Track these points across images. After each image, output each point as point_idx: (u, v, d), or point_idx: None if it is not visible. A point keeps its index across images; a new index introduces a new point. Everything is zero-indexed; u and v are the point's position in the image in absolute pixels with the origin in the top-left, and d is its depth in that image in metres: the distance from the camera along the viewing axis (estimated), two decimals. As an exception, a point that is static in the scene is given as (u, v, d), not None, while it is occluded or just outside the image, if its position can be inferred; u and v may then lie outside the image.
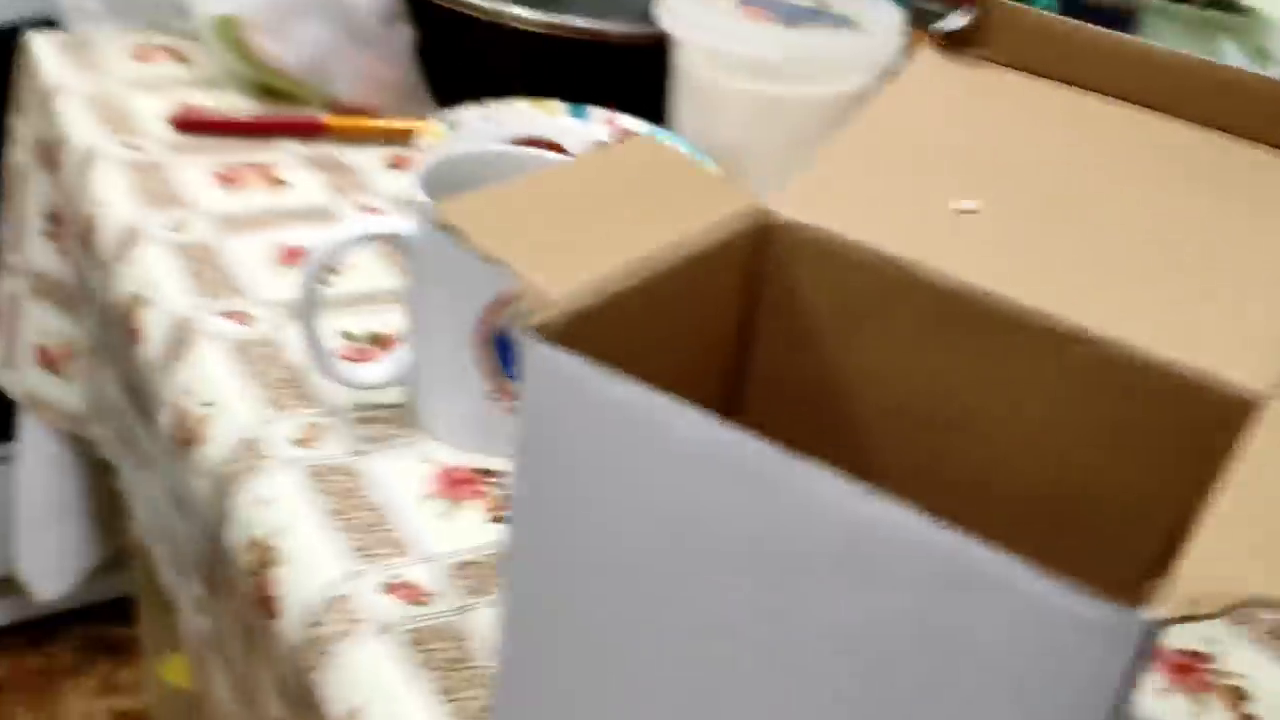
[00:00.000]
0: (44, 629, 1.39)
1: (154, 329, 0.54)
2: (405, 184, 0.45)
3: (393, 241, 0.45)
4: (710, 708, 0.25)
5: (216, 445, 0.47)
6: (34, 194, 0.82)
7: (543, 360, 0.24)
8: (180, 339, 0.52)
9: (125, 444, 0.70)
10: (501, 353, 0.45)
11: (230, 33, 0.72)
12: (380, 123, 0.72)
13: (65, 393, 0.87)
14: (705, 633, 0.24)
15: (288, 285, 0.56)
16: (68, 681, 1.35)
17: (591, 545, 0.25)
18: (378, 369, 0.48)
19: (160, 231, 0.59)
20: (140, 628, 1.06)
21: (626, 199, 0.28)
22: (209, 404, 0.49)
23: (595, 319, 0.25)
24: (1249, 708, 0.39)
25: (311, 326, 0.45)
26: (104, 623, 1.41)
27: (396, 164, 0.70)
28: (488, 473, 0.46)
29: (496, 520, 0.44)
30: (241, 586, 0.46)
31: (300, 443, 0.46)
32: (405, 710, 0.36)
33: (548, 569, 0.27)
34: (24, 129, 0.81)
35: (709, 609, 0.24)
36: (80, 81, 0.73)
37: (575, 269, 0.26)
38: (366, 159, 0.70)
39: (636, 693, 0.27)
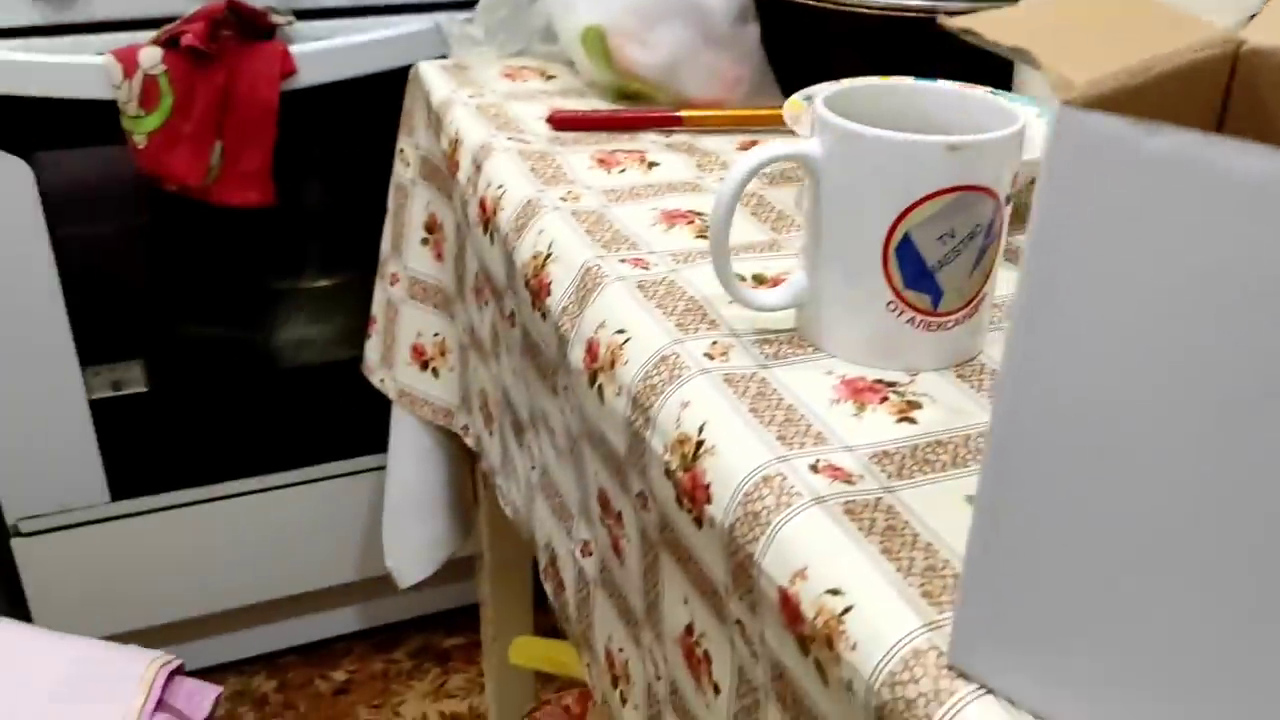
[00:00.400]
0: (386, 636, 1.51)
1: (562, 279, 0.59)
2: (814, 106, 0.48)
3: (801, 161, 0.48)
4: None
5: (634, 364, 0.51)
6: (416, 207, 0.92)
7: (1080, 127, 0.26)
8: (588, 284, 0.58)
9: (500, 425, 0.77)
10: (904, 264, 0.47)
11: (597, 42, 0.79)
12: (733, 112, 0.77)
13: (436, 388, 0.96)
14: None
15: (673, 239, 0.61)
16: (405, 685, 1.46)
17: (1124, 325, 0.26)
18: (777, 293, 0.51)
19: (556, 202, 0.65)
20: (485, 621, 1.14)
21: (1115, 24, 0.30)
22: (622, 331, 0.53)
23: (1109, 106, 0.27)
24: None
25: (724, 248, 0.49)
26: (436, 632, 1.53)
27: (748, 147, 0.74)
28: (889, 384, 0.48)
29: (904, 421, 0.46)
30: (659, 492, 0.49)
31: (711, 357, 0.50)
32: (850, 565, 0.38)
33: (1061, 371, 0.27)
34: (411, 150, 0.92)
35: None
36: (466, 96, 0.83)
37: (1080, 68, 0.27)
38: (720, 145, 0.75)
39: (1168, 534, 0.26)
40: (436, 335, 0.95)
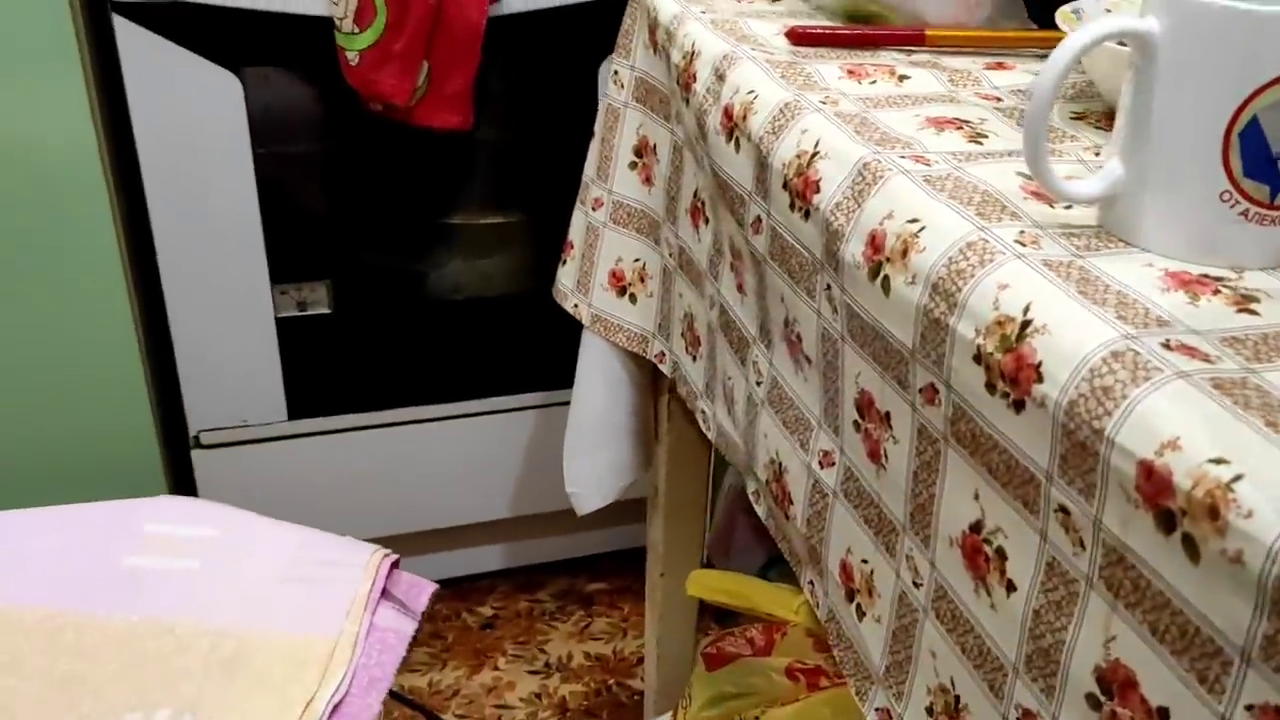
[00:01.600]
0: (530, 576, 1.53)
1: (834, 175, 0.58)
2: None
3: (1137, 40, 0.46)
4: None
5: (934, 251, 0.50)
6: (628, 129, 0.92)
7: None
8: (867, 178, 0.56)
9: (711, 347, 0.76)
10: (1246, 151, 0.45)
11: (837, -42, 0.78)
12: (978, 32, 0.75)
13: (633, 313, 0.96)
14: None
15: (947, 141, 0.59)
16: (549, 625, 1.47)
17: None
18: (1093, 183, 0.49)
19: (815, 104, 0.64)
20: (653, 558, 1.14)
21: None
22: (915, 220, 0.52)
23: None
24: None
25: (1042, 130, 0.47)
26: (579, 576, 1.54)
27: (996, 68, 0.72)
28: (1216, 278, 0.46)
29: (1244, 312, 0.44)
30: (961, 380, 0.48)
31: (1022, 244, 0.48)
32: (1233, 435, 0.36)
33: None
34: (626, 71, 0.91)
35: None
36: (699, 11, 0.82)
37: None
38: (965, 64, 0.73)
39: None
40: (637, 261, 0.94)
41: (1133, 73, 0.48)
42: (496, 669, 1.40)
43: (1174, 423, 0.38)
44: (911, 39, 0.75)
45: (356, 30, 0.99)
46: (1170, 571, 0.38)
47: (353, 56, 1.00)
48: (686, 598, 1.03)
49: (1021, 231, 0.49)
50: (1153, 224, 0.48)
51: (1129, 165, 0.48)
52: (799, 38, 0.75)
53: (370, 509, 1.34)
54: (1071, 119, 0.64)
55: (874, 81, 0.69)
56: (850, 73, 0.70)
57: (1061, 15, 0.65)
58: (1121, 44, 0.53)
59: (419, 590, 0.73)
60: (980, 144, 0.60)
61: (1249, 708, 0.36)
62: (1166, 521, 0.37)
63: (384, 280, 1.26)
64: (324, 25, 1.02)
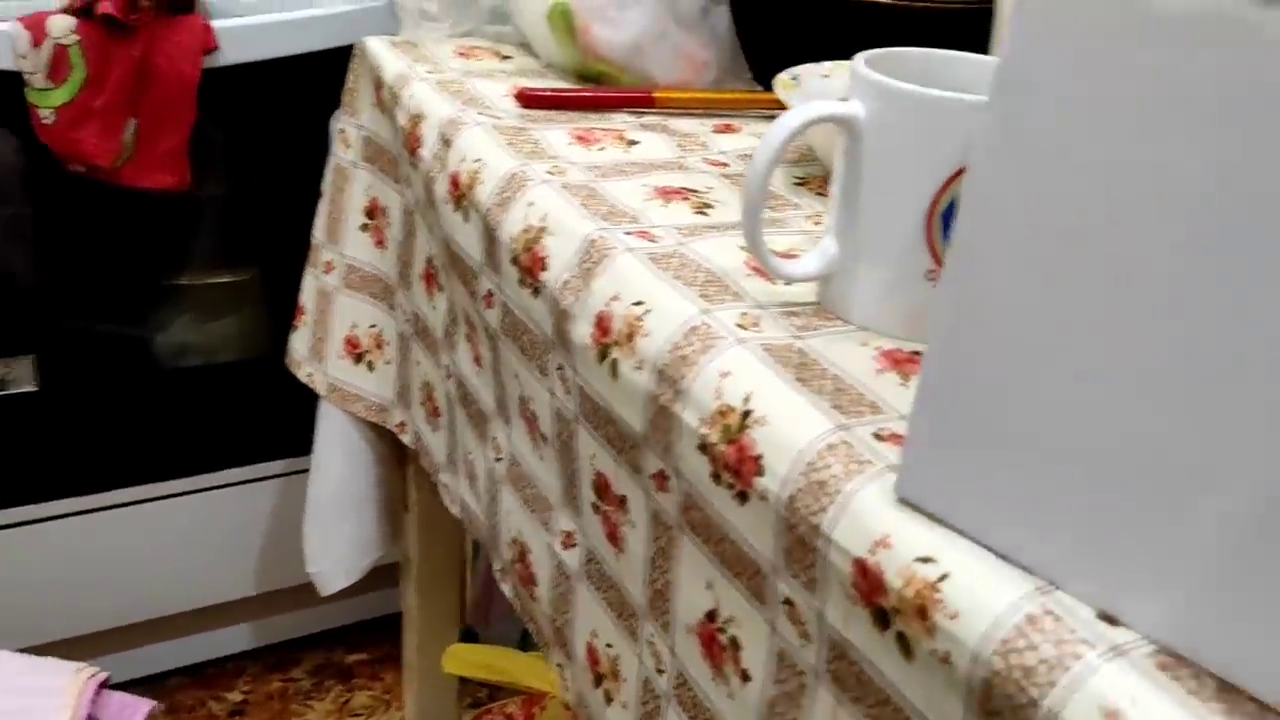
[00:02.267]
0: (282, 653, 1.43)
1: (560, 252, 0.56)
2: (854, 64, 0.46)
3: (842, 123, 0.47)
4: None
5: (658, 336, 0.49)
6: (356, 191, 0.88)
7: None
8: (593, 256, 0.55)
9: (450, 419, 0.73)
10: (949, 231, 0.46)
11: (564, 20, 0.77)
12: (708, 94, 0.75)
13: (370, 382, 0.91)
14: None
15: (674, 215, 0.59)
16: (305, 704, 1.38)
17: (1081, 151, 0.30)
18: (807, 262, 0.49)
19: (543, 175, 0.62)
20: (409, 630, 1.08)
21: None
22: (641, 303, 0.51)
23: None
24: None
25: (758, 212, 0.47)
26: (336, 649, 1.45)
27: (724, 130, 0.73)
28: (926, 358, 0.47)
29: (951, 394, 0.45)
30: (688, 469, 0.47)
31: (743, 327, 0.48)
32: (940, 533, 0.36)
33: (1019, 197, 0.31)
34: (353, 130, 0.87)
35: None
36: (425, 72, 0.79)
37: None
38: (694, 127, 0.73)
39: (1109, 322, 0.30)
40: (373, 327, 0.90)
41: (842, 153, 0.48)
42: (246, 760, 1.30)
43: (885, 520, 0.37)
44: (640, 100, 0.75)
45: (51, 86, 0.90)
46: (889, 668, 0.38)
47: (47, 115, 0.90)
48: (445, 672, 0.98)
49: (744, 313, 0.49)
50: (867, 302, 0.48)
51: (842, 243, 0.49)
52: (528, 100, 0.73)
53: (97, 600, 1.22)
54: (795, 184, 0.65)
55: (603, 147, 0.68)
56: (579, 138, 0.69)
57: (779, 83, 0.66)
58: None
59: (132, 711, 0.66)
60: (706, 215, 0.59)
61: (968, 805, 0.35)
62: (882, 619, 0.37)
63: (100, 349, 1.15)
64: (15, 80, 0.92)
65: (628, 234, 0.56)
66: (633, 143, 0.69)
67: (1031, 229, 0.32)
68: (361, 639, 1.45)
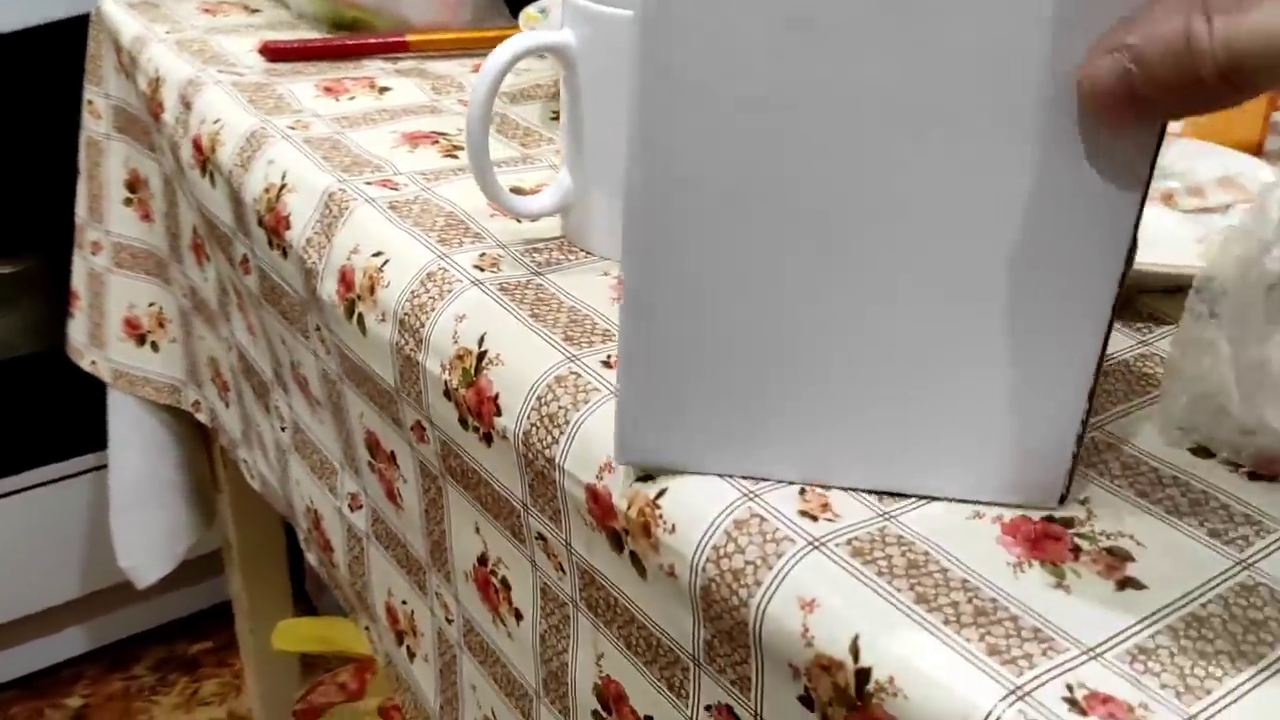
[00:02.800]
0: (121, 652, 1.38)
1: (302, 210, 0.54)
2: (565, -4, 0.46)
3: (555, 52, 0.46)
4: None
5: (396, 286, 0.48)
6: (114, 164, 0.83)
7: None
8: (333, 210, 0.53)
9: (238, 392, 0.70)
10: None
11: (307, -34, 0.73)
12: (462, 34, 0.73)
13: (156, 363, 0.87)
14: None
15: (420, 160, 0.57)
16: (150, 701, 1.34)
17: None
18: (543, 197, 0.49)
19: (284, 130, 0.60)
20: (239, 614, 1.06)
21: None
22: (379, 254, 0.49)
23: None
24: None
25: (484, 152, 0.46)
26: (179, 641, 1.41)
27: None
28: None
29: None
30: (439, 417, 0.46)
31: (481, 269, 0.47)
32: (660, 451, 0.37)
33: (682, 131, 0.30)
34: (100, 101, 0.82)
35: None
36: (163, 32, 0.75)
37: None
38: (452, 69, 0.71)
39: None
40: (152, 305, 0.86)
41: (562, 83, 0.48)
42: (92, 765, 1.26)
43: (607, 444, 0.38)
44: (392, 46, 0.72)
45: None
46: (629, 588, 0.38)
47: None
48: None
49: (482, 254, 0.48)
50: (603, 231, 0.48)
51: (574, 174, 0.49)
52: (273, 53, 0.70)
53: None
54: (551, 119, 0.64)
55: (352, 97, 0.66)
56: (327, 90, 0.66)
57: (526, 16, 0.65)
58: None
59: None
60: (456, 157, 0.58)
61: (708, 708, 0.37)
62: (616, 542, 0.37)
63: None
64: None
65: (368, 184, 0.54)
66: (384, 89, 0.67)
67: (694, 164, 0.31)
68: (205, 627, 1.41)
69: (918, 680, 0.28)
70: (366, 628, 0.66)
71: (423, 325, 0.46)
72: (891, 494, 0.35)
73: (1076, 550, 0.32)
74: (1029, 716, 0.27)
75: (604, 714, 0.43)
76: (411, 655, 0.60)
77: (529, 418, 0.41)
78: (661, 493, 0.35)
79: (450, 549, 0.51)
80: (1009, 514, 0.34)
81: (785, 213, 0.31)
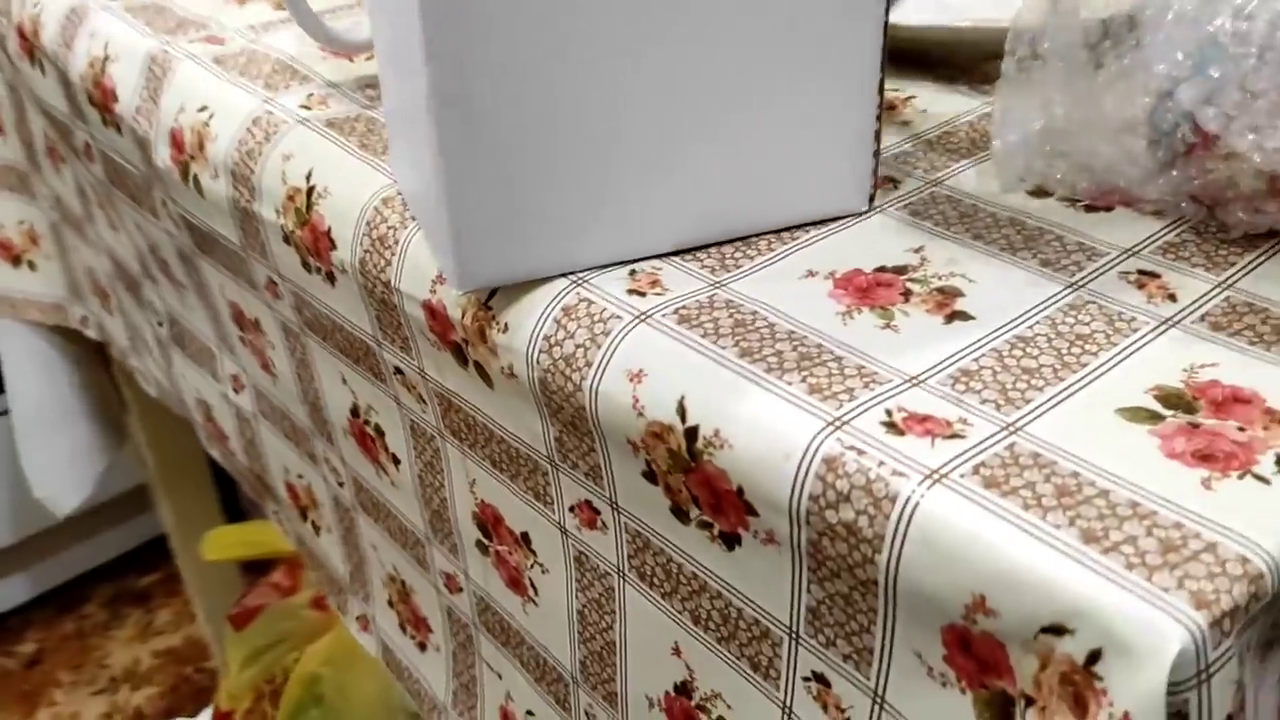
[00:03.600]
0: (71, 594, 1.37)
1: (127, 78, 0.52)
2: None
3: None
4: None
5: (224, 138, 0.46)
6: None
7: None
8: (156, 73, 0.50)
9: (117, 297, 0.68)
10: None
11: None
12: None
13: (37, 283, 0.84)
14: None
15: (248, 14, 0.55)
16: (105, 637, 1.33)
17: None
18: (364, 27, 0.47)
19: (103, 1, 0.57)
20: (172, 533, 1.05)
21: None
22: (205, 108, 0.47)
23: None
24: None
25: (293, -19, 0.44)
26: (128, 575, 1.40)
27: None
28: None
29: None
30: (286, 267, 0.45)
31: (308, 108, 0.45)
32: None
33: None
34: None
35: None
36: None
37: None
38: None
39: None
40: (21, 222, 0.82)
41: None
42: (54, 704, 1.25)
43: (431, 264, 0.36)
44: (226, -85, 0.68)
45: None
46: (480, 401, 0.37)
47: None
48: (219, 563, 0.96)
49: (310, 94, 0.46)
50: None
51: None
52: (96, -67, 0.66)
53: None
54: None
55: (182, -34, 0.62)
56: (153, -39, 0.63)
57: None
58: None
59: None
60: (284, 10, 0.55)
61: (571, 509, 0.36)
62: (460, 356, 0.36)
63: None
64: None
65: (192, 43, 0.52)
66: (214, -45, 0.64)
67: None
68: (153, 559, 1.40)
69: (740, 428, 0.28)
70: (274, 513, 0.65)
71: (252, 173, 0.44)
72: (720, 244, 0.34)
73: (908, 294, 0.32)
74: (845, 443, 0.26)
75: (486, 541, 0.43)
76: (317, 529, 0.60)
77: (361, 244, 0.39)
78: (493, 294, 0.34)
79: (326, 407, 0.50)
80: (842, 269, 0.33)
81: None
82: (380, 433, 0.46)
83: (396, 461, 0.46)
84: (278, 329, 0.50)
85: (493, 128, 0.31)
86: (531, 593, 0.41)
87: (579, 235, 0.33)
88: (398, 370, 0.42)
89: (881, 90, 0.34)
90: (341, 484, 0.53)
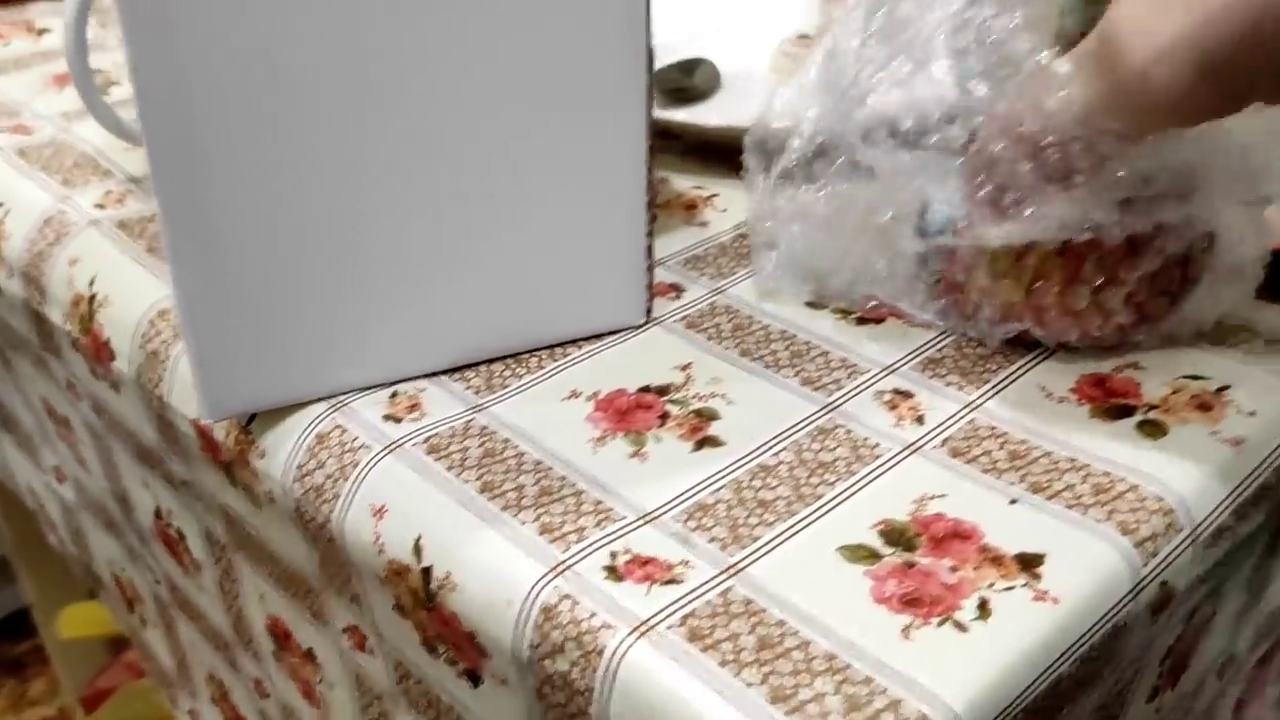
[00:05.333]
0: (-60, 663, 1.31)
1: (-73, 166, 0.50)
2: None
3: None
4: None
5: (19, 236, 0.44)
6: None
7: None
8: (-44, 163, 0.49)
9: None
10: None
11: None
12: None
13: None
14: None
15: (66, 100, 0.53)
16: (-21, 709, 1.28)
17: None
18: (169, 124, 0.46)
19: (-86, 86, 0.55)
20: (35, 609, 1.01)
21: None
22: (1, 204, 0.46)
23: None
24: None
25: (83, 65, 0.43)
26: (1, 644, 1.34)
27: None
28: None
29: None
30: (79, 370, 0.43)
31: (103, 206, 0.44)
32: (259, 373, 0.35)
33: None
34: None
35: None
36: None
37: None
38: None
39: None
40: None
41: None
42: (-82, 784, 1.20)
43: (207, 373, 0.35)
44: (63, -13, 0.67)
45: None
46: (255, 521, 0.36)
47: None
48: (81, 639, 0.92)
49: (108, 191, 0.45)
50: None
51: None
52: (-77, 6, 0.65)
53: None
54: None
55: (8, 43, 0.61)
56: (-21, 39, 0.61)
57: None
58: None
59: None
60: (110, 92, 0.54)
61: (344, 631, 0.35)
62: (230, 475, 0.36)
63: None
64: None
65: (1, 133, 0.50)
66: (44, 31, 0.62)
67: (201, 97, 0.28)
68: (27, 626, 1.35)
69: (469, 571, 0.28)
70: (106, 601, 0.63)
71: (42, 275, 0.43)
72: (489, 361, 0.34)
73: (665, 417, 0.32)
74: (562, 591, 0.26)
75: (280, 652, 0.42)
76: (144, 622, 0.58)
77: (137, 357, 0.38)
78: (253, 418, 0.34)
79: (134, 508, 0.49)
80: (606, 389, 0.33)
81: (308, 114, 0.29)
82: (181, 536, 0.45)
83: (199, 567, 0.45)
84: (84, 427, 0.49)
85: (231, 253, 0.30)
86: (324, 706, 0.40)
87: (336, 359, 0.33)
88: (184, 481, 0.41)
89: (651, 205, 0.34)
90: (158, 582, 0.52)
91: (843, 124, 0.34)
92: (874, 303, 0.36)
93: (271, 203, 0.30)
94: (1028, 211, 0.30)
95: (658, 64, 0.51)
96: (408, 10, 0.29)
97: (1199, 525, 0.28)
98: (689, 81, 0.49)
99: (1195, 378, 0.32)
